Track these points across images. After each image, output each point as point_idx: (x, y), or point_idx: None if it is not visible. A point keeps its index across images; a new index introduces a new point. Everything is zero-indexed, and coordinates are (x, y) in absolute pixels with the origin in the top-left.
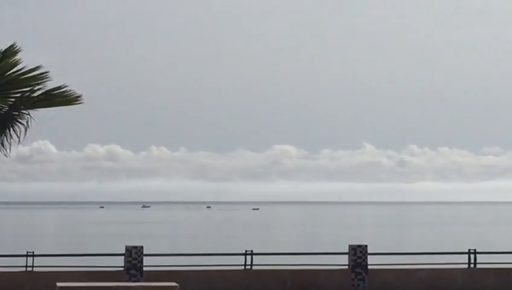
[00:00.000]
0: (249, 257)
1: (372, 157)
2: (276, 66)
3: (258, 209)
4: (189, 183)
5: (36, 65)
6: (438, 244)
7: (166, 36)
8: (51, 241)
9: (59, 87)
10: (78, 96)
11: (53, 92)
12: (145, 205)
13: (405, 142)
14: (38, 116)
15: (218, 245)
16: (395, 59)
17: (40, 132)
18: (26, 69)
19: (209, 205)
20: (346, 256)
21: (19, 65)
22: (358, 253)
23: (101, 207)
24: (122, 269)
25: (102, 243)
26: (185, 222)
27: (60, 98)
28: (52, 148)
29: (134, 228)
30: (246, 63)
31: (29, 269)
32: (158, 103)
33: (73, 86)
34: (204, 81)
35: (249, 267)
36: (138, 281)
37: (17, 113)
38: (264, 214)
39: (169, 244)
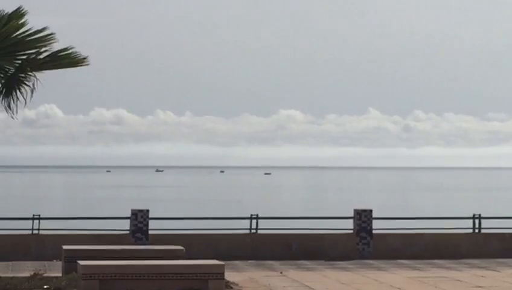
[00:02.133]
0: (254, 221)
1: (378, 122)
2: (282, 31)
3: (269, 173)
4: (196, 148)
5: (42, 27)
6: (443, 210)
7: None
8: (57, 205)
9: (65, 49)
10: (84, 58)
11: (59, 54)
12: (158, 169)
13: (410, 107)
14: (45, 78)
15: (225, 209)
16: (399, 24)
17: (47, 95)
18: (32, 30)
19: (223, 170)
20: (351, 220)
21: (25, 27)
22: (363, 217)
23: (107, 171)
24: (128, 232)
25: (109, 206)
26: (194, 186)
27: (66, 59)
28: (59, 112)
29: (143, 192)
30: (252, 27)
31: (35, 232)
32: (164, 68)
33: (79, 49)
34: (210, 46)
35: (254, 231)
36: (144, 244)
37: (23, 75)
38: (272, 179)
39: (176, 208)
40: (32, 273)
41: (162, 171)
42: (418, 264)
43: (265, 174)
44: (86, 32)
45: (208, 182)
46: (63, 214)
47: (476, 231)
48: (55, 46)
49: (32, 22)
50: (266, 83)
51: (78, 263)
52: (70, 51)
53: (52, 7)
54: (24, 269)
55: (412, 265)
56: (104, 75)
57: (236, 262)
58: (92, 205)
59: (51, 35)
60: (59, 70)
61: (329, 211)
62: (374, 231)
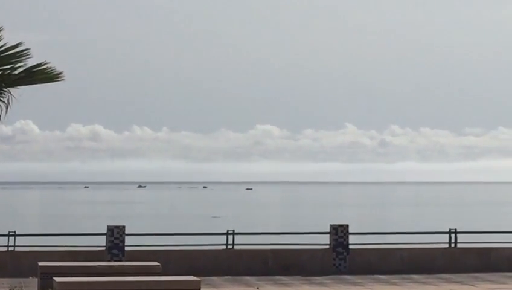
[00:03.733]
0: (230, 237)
1: (354, 137)
2: (258, 46)
3: (251, 189)
4: (173, 164)
5: (17, 42)
6: (419, 224)
7: (149, 14)
8: (33, 221)
9: (40, 64)
10: (59, 74)
11: (34, 70)
12: (141, 185)
13: (387, 122)
14: (20, 94)
15: (203, 225)
16: (373, 38)
17: (23, 111)
18: (7, 46)
19: (206, 185)
20: (328, 236)
21: (0, 42)
22: (339, 233)
23: (85, 187)
24: (104, 248)
25: (86, 223)
26: (174, 202)
27: (41, 75)
28: (35, 128)
29: (121, 208)
30: (228, 43)
31: (10, 248)
32: (140, 83)
33: (55, 65)
34: (186, 62)
35: (231, 246)
36: (120, 260)
37: None
38: (252, 195)
39: (154, 224)
40: None
41: (144, 187)
42: (394, 279)
43: (247, 189)
44: (61, 48)
45: (188, 197)
46: (39, 230)
47: (452, 245)
48: (30, 62)
49: (7, 38)
50: (243, 98)
51: (54, 280)
52: (45, 66)
53: (26, 23)
54: None
55: (388, 280)
56: (80, 91)
57: (213, 278)
58: (69, 221)
59: (26, 51)
60: (34, 86)
61: (305, 227)
62: (350, 246)
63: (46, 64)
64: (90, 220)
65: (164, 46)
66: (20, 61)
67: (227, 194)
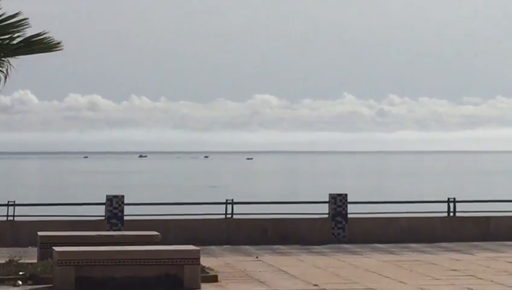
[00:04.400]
0: (229, 206)
1: (353, 107)
2: (256, 16)
3: (252, 158)
4: (171, 133)
5: (15, 12)
6: (418, 194)
7: None
8: (32, 191)
9: (38, 34)
10: (58, 43)
11: (32, 39)
12: (141, 155)
13: (385, 92)
14: (19, 64)
15: (202, 195)
16: (373, 8)
17: (21, 81)
18: (5, 16)
19: (207, 155)
20: (327, 205)
21: None
22: (338, 202)
23: (85, 157)
24: (103, 218)
25: (85, 193)
26: (174, 172)
27: (39, 45)
28: (33, 98)
29: (121, 178)
30: (227, 13)
31: (10, 218)
32: (138, 53)
33: (53, 35)
34: (184, 31)
35: (230, 216)
36: (119, 230)
37: None
38: (248, 164)
39: (153, 194)
40: (7, 259)
41: (145, 156)
42: (393, 248)
43: (248, 159)
44: (60, 17)
45: (189, 167)
46: (38, 200)
47: (451, 214)
48: (29, 32)
49: (5, 7)
50: (241, 67)
51: (54, 249)
52: (43, 36)
53: None
54: None
55: (387, 249)
56: (79, 61)
57: (212, 247)
58: (69, 191)
59: (24, 21)
60: (33, 55)
61: (304, 196)
62: (349, 215)
63: (44, 34)
64: (89, 190)
65: (162, 16)
66: (18, 31)
67: (228, 164)
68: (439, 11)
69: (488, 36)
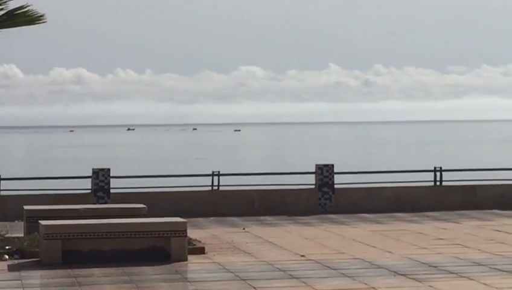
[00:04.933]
0: (216, 178)
1: (338, 77)
2: None
3: (239, 130)
4: (157, 106)
5: None
6: (404, 163)
7: None
8: (18, 165)
9: (21, 7)
10: (41, 16)
11: (15, 12)
12: (129, 128)
13: (371, 62)
14: (3, 38)
15: (189, 167)
16: None
17: (6, 55)
18: None
19: (195, 127)
20: (313, 175)
21: None
22: (324, 172)
23: (70, 131)
24: (89, 191)
25: (71, 166)
26: (162, 144)
27: (22, 18)
28: (18, 72)
29: (108, 151)
30: None
31: None
32: (123, 27)
33: (36, 7)
34: (168, 5)
35: (216, 188)
36: (106, 203)
37: None
38: (236, 135)
39: (140, 167)
40: None
41: (133, 129)
42: (379, 218)
43: (235, 130)
44: None
45: (177, 140)
46: (24, 174)
47: (437, 183)
48: (11, 5)
49: None
50: (226, 39)
51: (40, 223)
52: (26, 9)
53: None
54: None
55: (374, 219)
56: (63, 35)
57: (199, 219)
58: (54, 165)
59: None
60: (17, 29)
61: (291, 167)
62: (335, 186)
63: (27, 6)
64: (76, 164)
65: None
66: (0, 4)
67: (216, 136)
68: None
69: (472, 5)
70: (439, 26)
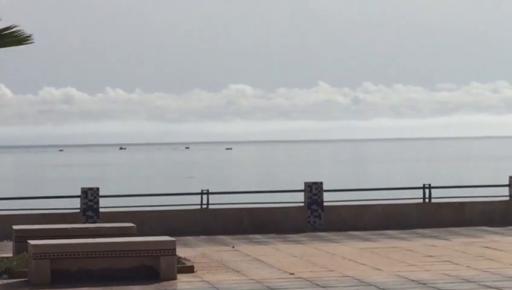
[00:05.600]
0: (205, 196)
1: (327, 95)
2: (229, 6)
3: (231, 149)
4: (147, 125)
5: None
6: (393, 180)
7: None
8: (7, 185)
9: (9, 28)
10: (28, 36)
11: (3, 33)
12: (122, 147)
13: (360, 79)
14: None
15: (179, 186)
16: None
17: None
18: None
19: (188, 146)
20: (302, 193)
21: None
22: (314, 190)
23: (60, 150)
24: (78, 211)
25: (60, 186)
26: (154, 163)
27: (10, 38)
28: (8, 92)
29: (97, 170)
30: (200, 2)
31: None
32: (112, 45)
33: (24, 27)
34: (157, 23)
35: (205, 206)
36: (95, 222)
37: None
38: (227, 154)
39: (130, 186)
40: None
41: (125, 148)
42: (369, 235)
43: (227, 149)
44: (31, 9)
45: (168, 158)
46: (13, 194)
47: (426, 200)
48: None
49: None
50: (215, 58)
51: (29, 243)
52: (14, 29)
53: None
54: None
55: (363, 236)
56: (52, 54)
57: (188, 238)
58: (44, 184)
59: None
60: (5, 49)
61: (280, 185)
62: (324, 203)
63: (14, 27)
64: (65, 183)
65: (136, 7)
66: None
67: (208, 155)
68: (412, 2)
69: (460, 22)
70: (427, 44)
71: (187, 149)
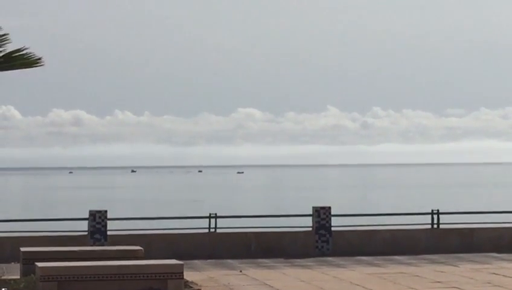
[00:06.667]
0: (213, 220)
1: (336, 120)
2: (238, 30)
3: (242, 172)
4: (155, 148)
5: None
6: (401, 206)
7: None
8: (15, 207)
9: (19, 50)
10: (39, 59)
11: (13, 55)
12: (133, 170)
13: (369, 104)
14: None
15: (188, 209)
16: (356, 22)
17: (4, 96)
18: None
19: (201, 169)
20: (310, 218)
21: None
22: (322, 215)
23: (70, 172)
24: (86, 233)
25: (68, 208)
26: (159, 187)
27: (20, 60)
28: (17, 114)
29: (106, 193)
30: (208, 26)
31: None
32: (122, 68)
33: (35, 50)
34: (167, 46)
35: (213, 230)
36: (102, 245)
37: None
38: (233, 178)
39: (139, 209)
40: None
41: (135, 171)
42: (377, 261)
43: (238, 173)
44: (41, 32)
45: (180, 181)
46: (21, 216)
47: (435, 226)
48: (9, 47)
49: None
50: (225, 81)
51: (36, 265)
52: (24, 52)
53: (4, 7)
54: None
55: (371, 261)
56: (62, 76)
57: (196, 261)
58: (52, 206)
59: (4, 36)
60: (15, 71)
61: (288, 209)
62: (332, 228)
63: (25, 49)
64: (74, 205)
65: (144, 31)
66: None
67: (220, 178)
68: (422, 26)
69: (470, 47)
70: (437, 69)
71: (200, 173)
